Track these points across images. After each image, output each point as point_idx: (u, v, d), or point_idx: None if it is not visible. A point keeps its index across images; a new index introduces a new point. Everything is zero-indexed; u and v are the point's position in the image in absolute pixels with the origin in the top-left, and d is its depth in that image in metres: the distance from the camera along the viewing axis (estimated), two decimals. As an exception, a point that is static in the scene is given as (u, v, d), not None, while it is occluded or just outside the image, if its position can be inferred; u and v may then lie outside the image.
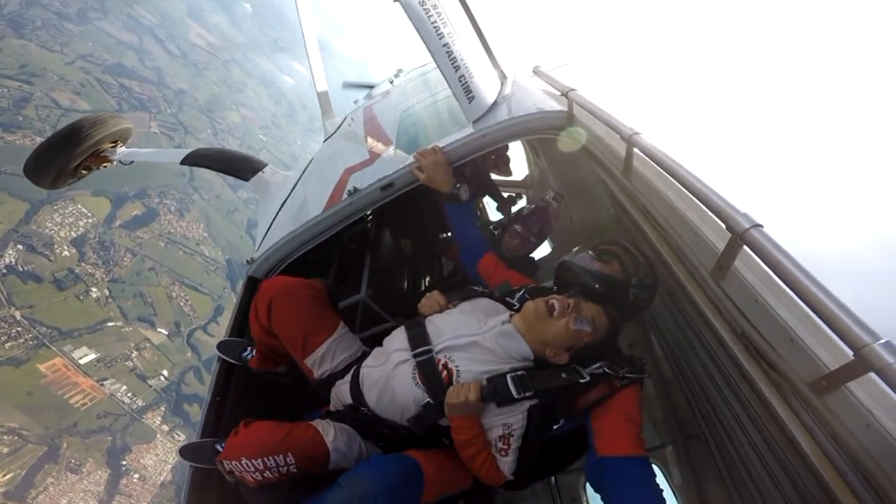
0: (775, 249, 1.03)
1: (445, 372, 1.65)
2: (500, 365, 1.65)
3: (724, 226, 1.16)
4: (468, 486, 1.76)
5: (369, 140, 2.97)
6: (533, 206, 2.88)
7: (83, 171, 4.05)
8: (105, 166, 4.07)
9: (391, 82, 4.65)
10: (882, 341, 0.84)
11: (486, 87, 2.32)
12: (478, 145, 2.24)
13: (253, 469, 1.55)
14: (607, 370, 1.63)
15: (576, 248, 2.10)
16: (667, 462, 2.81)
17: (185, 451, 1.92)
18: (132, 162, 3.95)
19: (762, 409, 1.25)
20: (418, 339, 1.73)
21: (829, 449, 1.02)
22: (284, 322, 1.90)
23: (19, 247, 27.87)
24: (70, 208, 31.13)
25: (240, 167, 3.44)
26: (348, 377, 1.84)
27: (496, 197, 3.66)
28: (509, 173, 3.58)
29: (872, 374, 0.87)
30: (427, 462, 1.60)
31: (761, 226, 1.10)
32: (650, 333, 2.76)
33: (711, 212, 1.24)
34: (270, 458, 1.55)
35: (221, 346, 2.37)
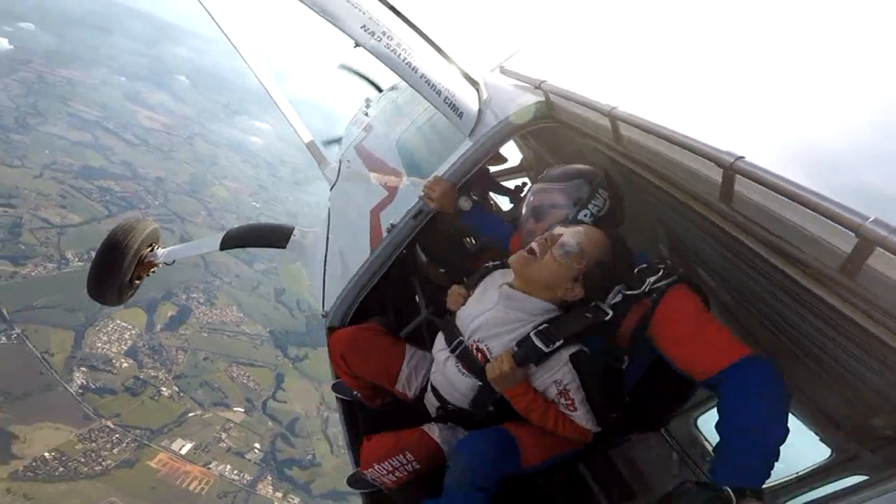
0: (761, 171, 1.21)
1: (480, 354, 1.71)
2: (524, 327, 1.65)
3: (715, 164, 1.34)
4: (580, 447, 1.79)
5: (378, 176, 3.10)
6: None
7: (136, 281, 4.11)
8: (153, 271, 4.10)
9: (366, 114, 4.65)
10: (871, 219, 0.99)
11: (467, 99, 2.40)
12: (480, 154, 2.33)
13: (385, 472, 1.86)
14: (627, 293, 1.60)
15: None
16: None
17: (351, 482, 2.21)
18: (174, 261, 4.03)
19: (817, 303, 1.34)
20: (451, 335, 1.84)
21: (891, 325, 1.09)
22: (362, 366, 2.12)
23: (83, 369, 30.08)
24: (111, 326, 33.01)
25: (273, 238, 3.59)
26: (430, 386, 1.99)
27: (501, 191, 3.59)
28: (504, 160, 3.56)
29: (879, 249, 1.02)
30: (521, 430, 1.73)
31: (743, 157, 1.26)
32: (696, 267, 2.61)
33: (699, 156, 1.40)
34: (393, 459, 1.85)
35: (335, 388, 2.62)
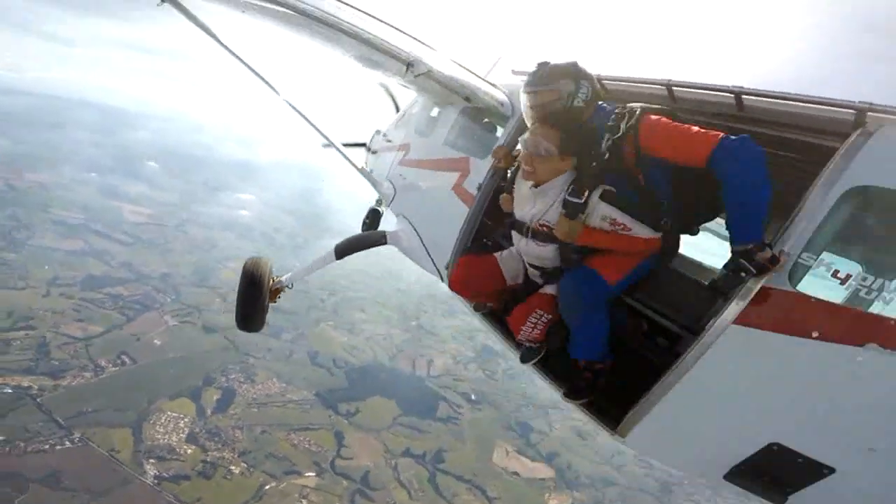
0: (685, 83, 2.36)
1: (545, 227, 2.39)
2: (560, 195, 2.30)
3: (661, 86, 2.48)
4: (652, 247, 2.35)
5: (443, 168, 3.96)
6: None
7: (268, 308, 4.66)
8: (279, 297, 4.73)
9: (389, 141, 5.70)
10: (731, 85, 2.11)
11: (499, 94, 3.44)
12: (521, 127, 3.05)
13: (530, 329, 2.55)
14: (614, 138, 2.20)
15: None
16: None
17: (522, 358, 2.79)
18: (292, 285, 4.70)
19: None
20: (518, 227, 2.58)
21: (776, 127, 2.19)
22: (481, 288, 2.90)
23: (152, 461, 31.30)
24: (163, 418, 34.28)
25: (374, 241, 4.51)
26: (527, 266, 2.75)
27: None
28: None
29: (744, 96, 2.19)
30: (593, 259, 2.37)
31: (672, 80, 2.46)
32: None
33: (652, 84, 2.62)
34: (531, 317, 2.54)
35: (475, 308, 3.28)
